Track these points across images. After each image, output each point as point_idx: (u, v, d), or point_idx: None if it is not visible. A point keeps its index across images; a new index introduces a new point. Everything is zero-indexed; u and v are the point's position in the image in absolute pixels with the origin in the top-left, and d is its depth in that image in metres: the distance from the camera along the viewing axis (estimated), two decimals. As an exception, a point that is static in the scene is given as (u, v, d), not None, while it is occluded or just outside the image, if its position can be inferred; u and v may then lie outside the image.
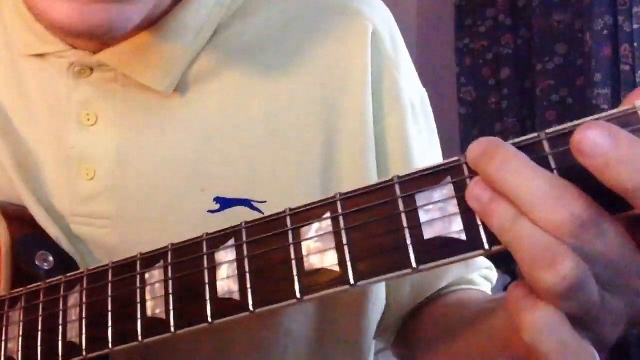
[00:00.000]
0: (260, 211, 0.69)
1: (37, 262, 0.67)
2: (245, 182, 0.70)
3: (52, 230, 0.70)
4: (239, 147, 0.71)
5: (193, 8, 0.70)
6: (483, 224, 0.44)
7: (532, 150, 0.43)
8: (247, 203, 0.69)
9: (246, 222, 0.53)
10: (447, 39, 3.32)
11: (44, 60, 0.73)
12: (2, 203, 0.72)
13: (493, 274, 0.86)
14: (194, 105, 0.71)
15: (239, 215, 0.67)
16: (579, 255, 0.40)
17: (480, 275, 0.84)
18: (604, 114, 0.41)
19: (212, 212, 0.69)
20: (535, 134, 0.43)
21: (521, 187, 0.41)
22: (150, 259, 0.58)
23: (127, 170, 0.70)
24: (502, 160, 0.42)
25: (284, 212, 0.52)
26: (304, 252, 0.50)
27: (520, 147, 0.43)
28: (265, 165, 0.71)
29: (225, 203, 0.70)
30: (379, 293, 0.77)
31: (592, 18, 2.56)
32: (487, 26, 3.20)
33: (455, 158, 0.46)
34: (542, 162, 0.42)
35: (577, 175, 0.41)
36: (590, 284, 0.41)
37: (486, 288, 0.84)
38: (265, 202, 0.69)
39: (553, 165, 0.42)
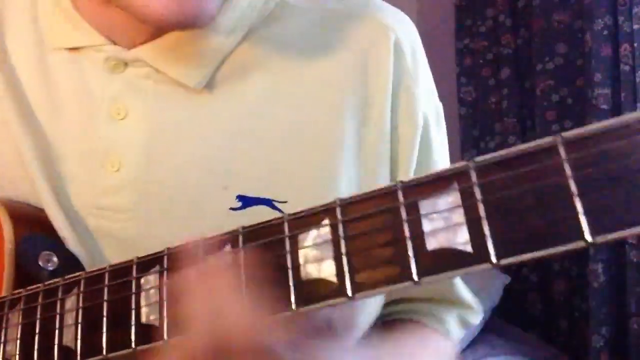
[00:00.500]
0: (280, 211, 0.70)
1: (40, 262, 0.66)
2: (267, 181, 0.72)
3: (63, 227, 0.71)
4: (264, 147, 0.72)
5: (228, 8, 0.72)
6: (491, 234, 0.42)
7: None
8: (268, 202, 0.71)
9: (243, 227, 0.52)
10: (447, 39, 3.32)
11: (78, 53, 0.75)
12: (9, 202, 0.72)
13: (474, 316, 0.87)
14: (222, 104, 0.73)
15: (260, 214, 0.68)
16: None
17: (457, 319, 0.85)
18: (621, 117, 0.39)
19: (234, 209, 0.71)
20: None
21: None
22: (146, 263, 0.57)
23: (153, 164, 0.72)
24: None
25: (282, 217, 0.50)
26: (301, 261, 0.49)
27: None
28: (288, 166, 0.72)
29: (247, 201, 0.71)
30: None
31: (592, 18, 2.55)
32: (487, 26, 3.19)
33: (463, 163, 0.44)
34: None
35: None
36: None
37: (453, 338, 0.85)
38: (286, 202, 0.71)
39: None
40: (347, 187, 0.73)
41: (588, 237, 0.39)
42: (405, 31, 0.79)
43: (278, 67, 0.75)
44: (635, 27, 2.44)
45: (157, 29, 0.71)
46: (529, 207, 0.41)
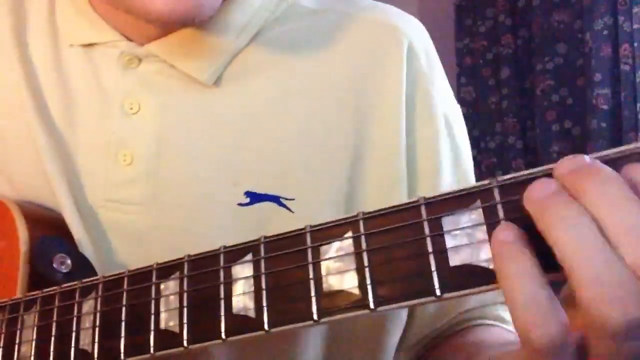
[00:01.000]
0: (288, 208, 0.71)
1: (54, 265, 0.67)
2: (276, 178, 0.72)
3: (76, 222, 0.71)
4: (273, 144, 0.73)
5: (239, 7, 0.74)
6: None
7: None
8: (276, 199, 0.72)
9: (265, 237, 0.52)
10: (447, 39, 3.32)
11: (93, 49, 0.76)
12: (25, 203, 0.73)
13: None
14: (232, 100, 0.74)
15: (268, 211, 0.71)
16: None
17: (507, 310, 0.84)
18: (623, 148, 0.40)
19: (242, 205, 0.72)
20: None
21: (613, 216, 0.37)
22: (166, 269, 0.57)
23: (164, 157, 0.73)
24: (602, 180, 0.38)
25: (304, 228, 0.51)
26: (323, 272, 0.49)
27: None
28: (296, 164, 0.73)
29: (255, 197, 0.72)
30: (399, 317, 0.78)
31: (592, 18, 2.56)
32: (487, 26, 3.20)
33: (486, 181, 0.44)
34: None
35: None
36: None
37: (511, 325, 0.81)
38: (293, 199, 0.72)
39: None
40: (352, 186, 0.74)
41: None
42: (418, 35, 0.80)
43: (287, 66, 0.76)
44: (635, 27, 2.44)
45: (162, 27, 0.72)
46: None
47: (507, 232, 0.41)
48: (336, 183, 0.74)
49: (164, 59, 0.73)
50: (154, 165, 0.73)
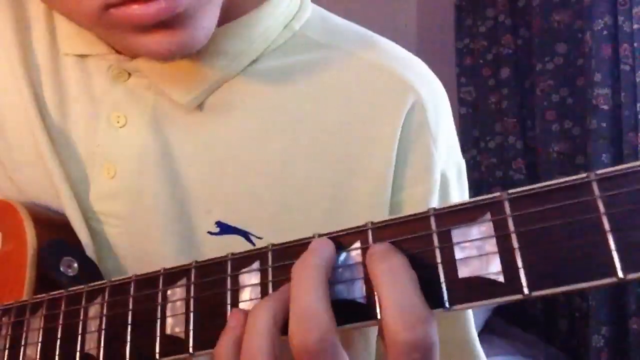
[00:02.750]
0: (254, 245, 0.69)
1: (61, 268, 0.67)
2: (248, 214, 0.71)
3: (82, 231, 0.71)
4: (249, 178, 0.72)
5: (237, 34, 0.72)
6: (523, 267, 0.43)
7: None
8: (245, 234, 0.70)
9: (273, 245, 0.53)
10: (447, 39, 3.32)
11: (86, 59, 0.75)
12: (32, 206, 0.73)
13: None
14: (214, 127, 0.72)
15: (235, 244, 0.69)
16: None
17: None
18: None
19: (212, 234, 0.71)
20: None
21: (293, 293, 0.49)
22: (173, 275, 0.58)
23: (145, 174, 0.72)
24: (298, 265, 0.50)
25: (312, 237, 0.51)
26: (331, 281, 0.49)
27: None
28: (270, 204, 0.71)
29: (225, 229, 0.71)
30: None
31: (592, 18, 2.55)
32: (487, 26, 3.19)
33: (497, 194, 0.45)
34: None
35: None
36: None
37: None
38: (261, 238, 0.70)
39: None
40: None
41: (620, 274, 0.40)
42: (428, 90, 0.75)
43: (277, 101, 0.73)
44: (635, 27, 2.44)
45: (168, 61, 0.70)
46: (562, 241, 0.42)
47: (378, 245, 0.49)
48: (309, 229, 0.70)
49: (148, 76, 0.72)
50: (134, 181, 0.72)
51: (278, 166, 0.72)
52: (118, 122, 0.73)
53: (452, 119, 0.80)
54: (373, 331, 0.76)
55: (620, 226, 0.40)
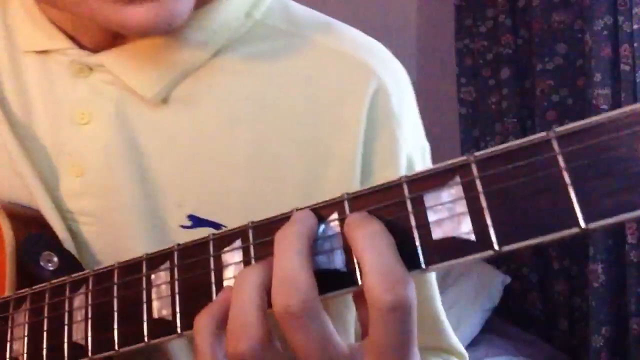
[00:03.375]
0: None
1: (41, 263, 0.66)
2: (220, 205, 0.71)
3: (59, 227, 0.71)
4: (220, 170, 0.71)
5: (199, 25, 0.71)
6: (492, 224, 0.45)
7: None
8: (217, 227, 0.70)
9: (252, 222, 0.54)
10: (447, 39, 3.32)
11: (46, 56, 0.74)
12: (7, 204, 0.72)
13: None
14: (181, 120, 0.72)
15: None
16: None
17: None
18: (610, 114, 0.42)
19: (184, 227, 0.70)
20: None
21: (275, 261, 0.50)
22: (155, 259, 0.58)
23: (113, 171, 0.71)
24: (280, 233, 0.51)
25: (291, 211, 0.52)
26: (313, 253, 0.50)
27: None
28: (242, 194, 0.71)
29: (197, 222, 0.71)
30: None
31: (592, 18, 2.55)
32: (487, 26, 3.19)
33: (464, 157, 0.47)
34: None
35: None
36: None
37: None
38: None
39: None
40: None
41: (582, 224, 0.42)
42: (391, 74, 0.77)
43: (245, 90, 0.73)
44: (635, 27, 2.43)
45: (146, 35, 0.70)
46: (527, 198, 0.44)
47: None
48: None
49: (111, 71, 0.71)
50: (102, 178, 0.71)
51: (247, 156, 0.72)
52: (82, 119, 0.72)
53: (415, 102, 0.81)
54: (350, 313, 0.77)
55: (579, 179, 0.42)
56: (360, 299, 0.50)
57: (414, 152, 0.78)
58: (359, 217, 0.49)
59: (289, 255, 0.49)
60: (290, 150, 0.72)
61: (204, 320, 0.52)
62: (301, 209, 0.52)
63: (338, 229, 0.50)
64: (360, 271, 0.48)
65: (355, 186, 0.72)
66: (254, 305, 0.49)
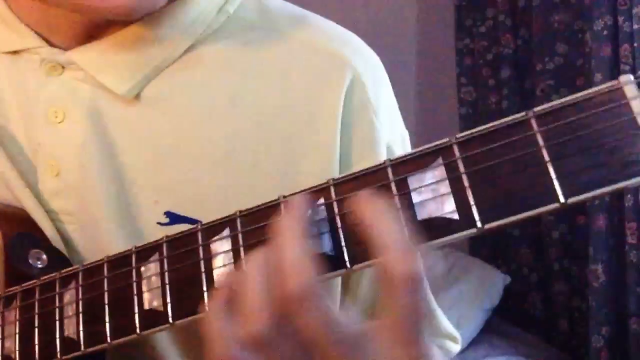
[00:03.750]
0: None
1: (30, 261, 0.67)
2: (197, 202, 0.70)
3: (45, 225, 0.71)
4: (196, 165, 0.71)
5: (171, 19, 0.71)
6: (475, 203, 0.46)
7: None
8: (195, 223, 0.69)
9: (240, 211, 0.54)
10: (447, 39, 3.32)
11: (18, 56, 0.74)
12: None
13: (454, 344, 0.86)
14: (155, 116, 0.72)
15: None
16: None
17: (436, 345, 0.84)
18: (589, 91, 0.44)
19: (162, 224, 0.70)
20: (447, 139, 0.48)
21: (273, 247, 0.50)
22: (145, 252, 0.58)
23: (88, 169, 0.71)
24: (278, 221, 0.51)
25: (277, 199, 0.53)
26: None
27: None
28: (218, 190, 0.71)
29: (175, 219, 0.70)
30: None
31: (592, 18, 2.55)
32: (487, 26, 3.19)
33: (446, 139, 0.48)
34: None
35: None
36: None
37: None
38: None
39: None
40: None
41: (561, 199, 0.43)
42: (365, 64, 0.76)
43: (216, 86, 0.73)
44: (635, 27, 2.43)
45: (118, 18, 0.69)
46: (508, 176, 0.46)
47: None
48: None
49: (82, 68, 0.71)
50: (77, 177, 0.71)
51: (222, 151, 0.71)
52: (56, 117, 0.72)
53: (391, 91, 0.80)
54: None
55: (558, 156, 0.44)
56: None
57: (393, 140, 0.77)
58: (367, 194, 0.49)
59: (292, 241, 0.49)
60: (267, 143, 0.72)
61: (212, 307, 0.52)
62: (288, 195, 0.52)
63: (324, 214, 0.51)
64: (374, 245, 0.48)
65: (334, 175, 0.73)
66: (262, 287, 0.49)
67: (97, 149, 0.71)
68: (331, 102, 0.72)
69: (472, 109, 3.27)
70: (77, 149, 0.71)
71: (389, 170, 0.49)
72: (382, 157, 0.73)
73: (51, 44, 0.72)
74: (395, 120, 0.81)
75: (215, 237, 0.54)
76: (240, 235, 0.53)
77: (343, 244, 0.50)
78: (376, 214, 0.48)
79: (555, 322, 2.89)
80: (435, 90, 3.20)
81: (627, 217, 2.43)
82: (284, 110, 0.72)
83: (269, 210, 0.53)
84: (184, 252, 0.56)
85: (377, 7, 3.23)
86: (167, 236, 0.57)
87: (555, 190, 0.43)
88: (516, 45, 3.08)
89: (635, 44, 2.44)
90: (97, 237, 0.71)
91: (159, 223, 0.70)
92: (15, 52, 0.74)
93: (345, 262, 0.50)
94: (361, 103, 0.74)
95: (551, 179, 0.43)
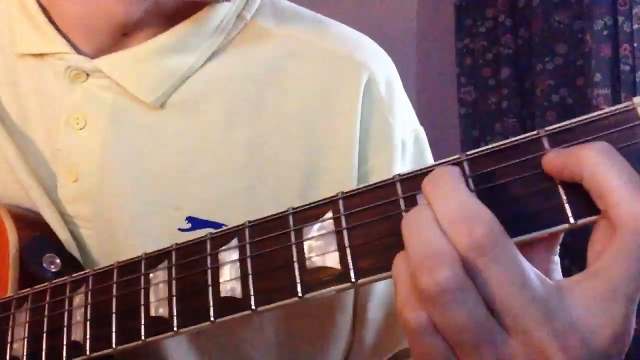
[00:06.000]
0: None
1: (44, 265, 0.68)
2: (220, 206, 0.71)
3: (60, 230, 0.71)
4: (219, 171, 0.72)
5: (195, 30, 0.72)
6: None
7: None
8: (218, 227, 0.69)
9: (249, 222, 0.54)
10: (447, 39, 3.32)
11: (42, 60, 0.74)
12: (10, 206, 0.73)
13: None
14: (179, 123, 0.73)
15: None
16: (466, 273, 0.42)
17: None
18: (602, 112, 0.43)
19: (183, 230, 0.71)
20: (457, 155, 0.47)
21: (438, 204, 0.44)
22: (154, 259, 0.58)
23: (107, 176, 0.72)
24: (433, 178, 0.45)
25: (287, 210, 0.52)
26: (306, 252, 0.51)
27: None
28: (241, 193, 0.72)
29: (197, 223, 0.71)
30: (344, 319, 0.78)
31: (592, 18, 2.55)
32: (487, 26, 3.19)
33: (456, 156, 0.47)
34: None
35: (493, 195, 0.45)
36: (467, 300, 0.42)
37: None
38: None
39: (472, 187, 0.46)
40: None
41: (571, 220, 0.43)
42: (379, 65, 0.79)
43: (240, 91, 0.74)
44: (635, 27, 2.43)
45: (139, 26, 0.71)
46: (519, 195, 0.45)
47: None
48: None
49: (109, 76, 0.72)
50: (96, 184, 0.72)
51: (245, 155, 0.73)
52: (77, 124, 0.73)
53: (403, 89, 0.82)
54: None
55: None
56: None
57: (406, 135, 0.79)
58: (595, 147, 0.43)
59: (456, 192, 0.44)
60: (288, 147, 0.73)
61: (399, 265, 0.46)
62: (297, 208, 0.52)
63: (332, 228, 0.50)
64: (600, 193, 0.42)
65: (353, 176, 0.74)
66: (436, 235, 0.43)
67: (116, 156, 0.72)
68: (349, 102, 0.74)
69: (472, 109, 3.27)
70: (97, 156, 0.72)
71: (398, 186, 0.48)
72: (397, 150, 0.77)
73: (78, 51, 0.73)
74: (409, 116, 0.82)
75: (223, 247, 0.54)
76: (247, 246, 0.53)
77: (349, 258, 0.49)
78: (598, 158, 0.41)
79: (555, 321, 2.89)
80: (435, 90, 3.20)
81: (627, 217, 2.43)
82: (304, 112, 0.74)
83: (278, 221, 0.52)
84: (191, 260, 0.56)
85: (377, 7, 3.23)
86: (176, 244, 0.57)
87: (565, 211, 0.43)
88: (516, 45, 3.08)
89: (635, 44, 2.44)
90: (113, 243, 0.71)
91: (180, 229, 0.71)
92: (39, 55, 0.74)
93: (350, 277, 0.49)
94: (377, 102, 0.76)
95: (562, 200, 0.43)
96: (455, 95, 3.29)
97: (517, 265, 0.42)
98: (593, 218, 0.42)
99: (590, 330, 0.42)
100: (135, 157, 0.72)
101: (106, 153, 0.72)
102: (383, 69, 0.79)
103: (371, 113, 0.76)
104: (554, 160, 0.43)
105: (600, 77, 2.52)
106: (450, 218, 0.43)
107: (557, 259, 0.51)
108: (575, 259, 2.75)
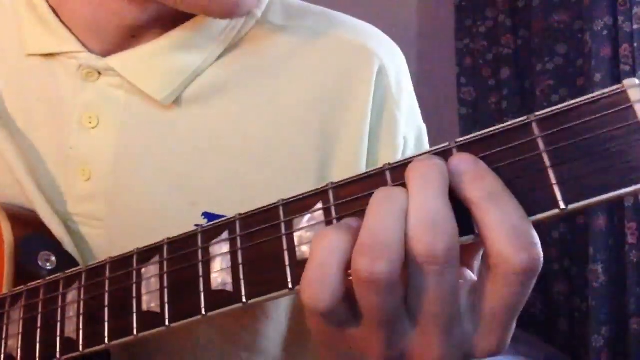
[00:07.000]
0: None
1: (39, 262, 0.67)
2: (235, 201, 0.71)
3: (57, 229, 0.71)
4: (234, 166, 0.72)
5: (206, 27, 0.72)
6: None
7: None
8: None
9: (240, 214, 0.54)
10: (447, 39, 3.32)
11: (53, 59, 0.74)
12: (6, 204, 0.73)
13: None
14: (193, 120, 0.73)
15: None
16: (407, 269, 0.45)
17: None
18: (593, 95, 0.43)
19: (199, 226, 0.70)
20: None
21: (415, 198, 0.45)
22: (146, 254, 0.58)
23: (121, 175, 0.72)
24: (421, 170, 0.46)
25: (277, 202, 0.52)
26: (296, 243, 0.50)
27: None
28: (257, 187, 0.72)
29: (213, 219, 0.70)
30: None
31: (592, 18, 2.55)
32: (487, 26, 3.19)
33: (446, 144, 0.47)
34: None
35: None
36: (391, 294, 0.45)
37: None
38: None
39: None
40: None
41: (562, 205, 0.43)
42: (389, 56, 0.79)
43: (252, 86, 0.75)
44: (635, 27, 2.43)
45: (144, 37, 0.72)
46: (510, 181, 0.45)
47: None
48: None
49: (121, 74, 0.72)
50: (110, 182, 0.72)
51: (259, 149, 0.73)
52: (90, 122, 0.72)
53: (411, 83, 0.83)
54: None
55: (559, 161, 0.43)
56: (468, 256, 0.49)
57: (409, 133, 0.80)
58: (476, 168, 0.45)
59: (434, 194, 0.44)
60: (302, 139, 0.74)
61: (335, 237, 0.46)
62: (286, 199, 0.52)
63: (322, 218, 0.50)
64: (483, 230, 0.44)
65: (363, 166, 0.75)
66: (397, 228, 0.44)
67: (130, 154, 0.72)
68: (362, 92, 0.75)
69: (472, 109, 3.27)
70: (110, 155, 0.72)
71: (388, 174, 0.48)
72: (399, 147, 0.77)
73: (89, 50, 0.73)
74: (414, 112, 0.83)
75: (214, 240, 0.54)
76: (238, 239, 0.53)
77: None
78: (487, 196, 0.43)
79: (555, 322, 2.89)
80: (435, 90, 3.20)
81: (627, 217, 2.43)
82: (317, 103, 0.75)
83: (267, 213, 0.52)
84: (183, 254, 0.56)
85: (377, 7, 3.23)
86: (168, 238, 0.57)
87: (555, 196, 0.43)
88: (516, 45, 3.08)
89: (635, 44, 2.44)
90: (125, 243, 0.70)
91: (196, 225, 0.70)
92: (49, 55, 0.74)
93: None
94: (386, 92, 0.77)
95: (552, 185, 0.43)
96: (455, 95, 3.30)
97: (454, 284, 0.45)
98: (585, 202, 0.42)
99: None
100: (149, 155, 0.72)
101: (120, 151, 0.72)
102: (393, 60, 0.79)
103: (382, 104, 0.76)
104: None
105: (600, 77, 2.52)
106: (420, 217, 0.44)
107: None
108: (575, 259, 2.75)
